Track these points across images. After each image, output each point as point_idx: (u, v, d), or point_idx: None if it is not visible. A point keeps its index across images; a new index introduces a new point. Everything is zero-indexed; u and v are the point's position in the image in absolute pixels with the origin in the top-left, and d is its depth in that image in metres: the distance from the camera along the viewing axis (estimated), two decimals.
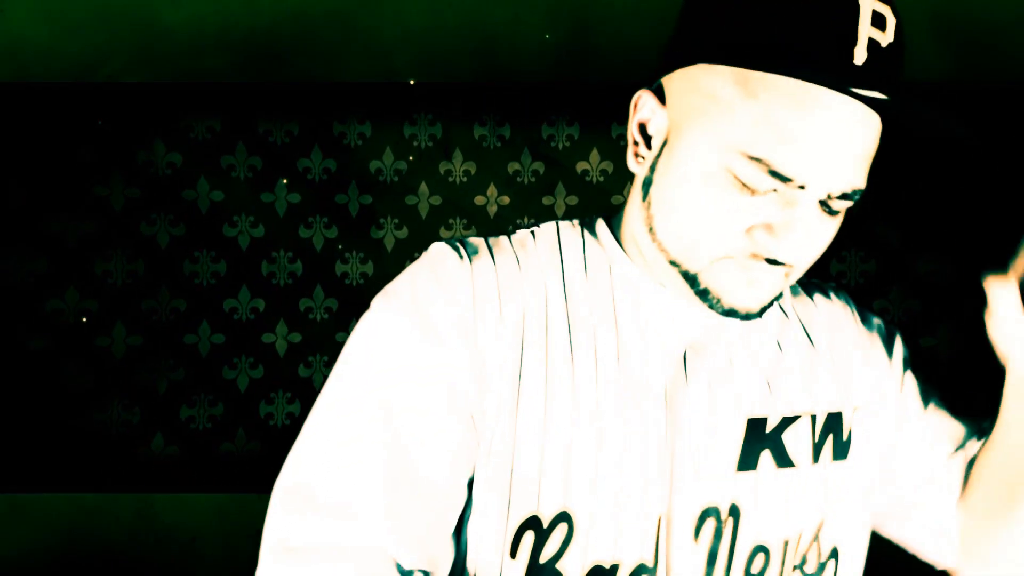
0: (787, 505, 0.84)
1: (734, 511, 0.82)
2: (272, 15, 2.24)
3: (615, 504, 0.78)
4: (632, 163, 0.82)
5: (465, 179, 2.29)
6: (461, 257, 0.81)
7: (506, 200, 2.28)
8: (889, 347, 0.96)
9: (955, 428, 0.96)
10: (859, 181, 0.73)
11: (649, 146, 0.81)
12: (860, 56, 0.69)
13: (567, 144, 2.28)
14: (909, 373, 0.96)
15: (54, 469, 2.24)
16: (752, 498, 0.82)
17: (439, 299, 0.79)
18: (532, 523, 0.78)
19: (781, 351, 0.88)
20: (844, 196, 0.73)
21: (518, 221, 2.27)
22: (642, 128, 0.81)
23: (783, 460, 0.84)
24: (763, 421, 0.84)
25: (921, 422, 0.95)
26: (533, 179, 2.29)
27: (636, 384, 0.81)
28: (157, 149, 2.27)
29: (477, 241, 0.85)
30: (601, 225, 0.88)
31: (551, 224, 0.89)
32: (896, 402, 0.94)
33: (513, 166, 2.28)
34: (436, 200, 2.29)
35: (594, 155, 2.26)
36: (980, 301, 0.86)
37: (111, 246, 2.26)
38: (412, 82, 2.25)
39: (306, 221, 2.29)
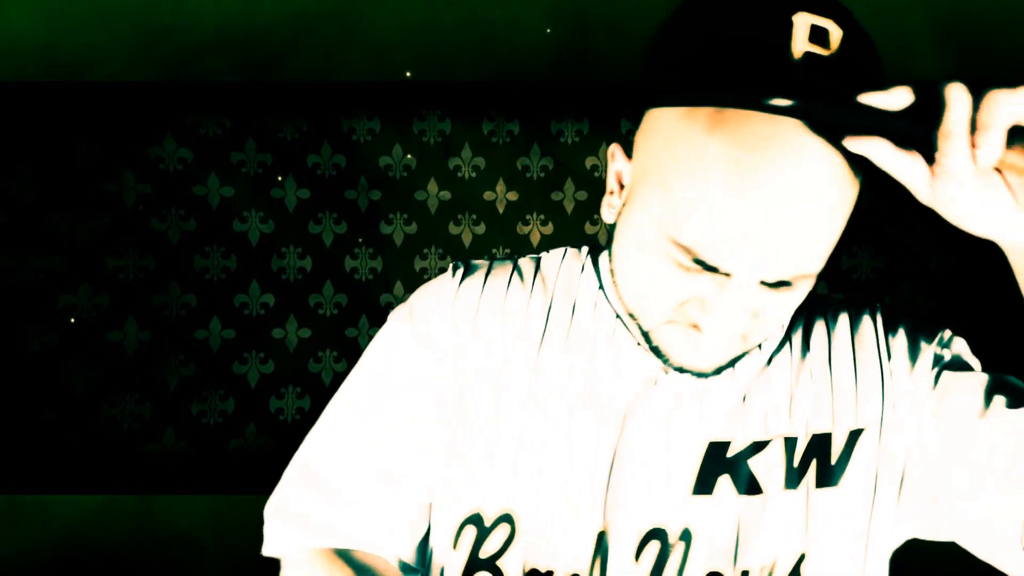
0: (749, 534, 0.80)
1: (686, 535, 0.80)
2: (273, 15, 2.25)
3: (556, 513, 0.82)
4: (604, 211, 0.82)
5: (474, 174, 2.32)
6: (454, 276, 0.89)
7: (515, 195, 2.31)
8: (913, 355, 0.85)
9: None
10: (805, 266, 0.68)
11: (621, 197, 0.80)
12: (797, 74, 0.65)
13: (576, 139, 2.31)
14: (948, 374, 0.83)
15: (65, 468, 2.24)
16: (707, 524, 0.80)
17: (433, 313, 0.87)
18: (474, 520, 0.84)
19: (766, 371, 0.84)
20: (785, 282, 0.70)
21: (527, 216, 2.30)
22: (620, 177, 0.81)
23: (746, 486, 0.81)
24: (726, 445, 0.82)
25: (984, 423, 0.79)
26: (542, 174, 2.31)
27: (597, 400, 0.83)
28: (167, 146, 2.28)
29: (482, 264, 0.92)
30: (603, 257, 0.90)
31: (560, 251, 0.93)
32: (931, 410, 0.82)
33: (522, 161, 2.31)
34: (445, 195, 2.31)
35: (603, 150, 2.28)
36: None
37: (122, 242, 2.27)
38: (409, 74, 2.26)
39: (315, 217, 2.31)
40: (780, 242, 0.66)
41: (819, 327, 0.87)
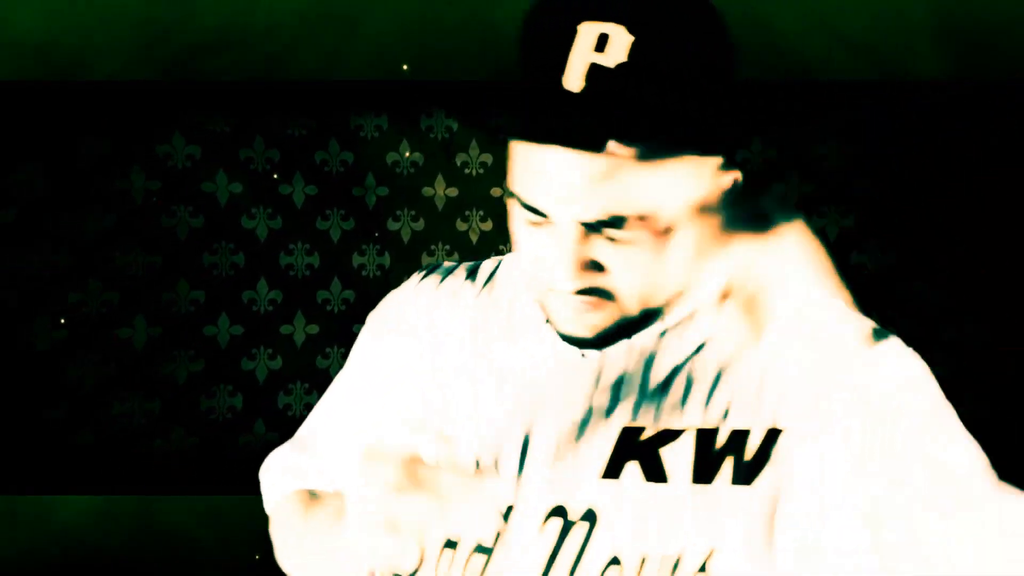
0: (652, 522, 0.80)
1: (589, 516, 0.82)
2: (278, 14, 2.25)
3: (471, 485, 0.83)
4: None
5: (482, 171, 2.33)
6: (419, 276, 0.98)
7: None
8: (847, 366, 0.80)
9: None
10: (611, 207, 0.72)
11: None
12: (575, 84, 0.69)
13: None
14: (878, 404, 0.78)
15: (74, 466, 2.24)
16: (612, 507, 0.81)
17: (391, 308, 0.98)
18: None
19: (689, 362, 0.84)
20: (607, 224, 0.73)
21: None
22: None
23: (653, 474, 0.81)
24: (639, 431, 0.82)
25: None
26: None
27: (520, 381, 0.87)
28: (176, 143, 2.28)
29: (459, 265, 0.98)
30: None
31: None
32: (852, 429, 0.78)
33: None
34: (452, 192, 2.33)
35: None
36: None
37: (131, 239, 2.27)
38: (405, 67, 2.27)
39: (323, 213, 2.32)
40: (583, 177, 0.70)
41: (759, 317, 0.83)
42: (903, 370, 0.80)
